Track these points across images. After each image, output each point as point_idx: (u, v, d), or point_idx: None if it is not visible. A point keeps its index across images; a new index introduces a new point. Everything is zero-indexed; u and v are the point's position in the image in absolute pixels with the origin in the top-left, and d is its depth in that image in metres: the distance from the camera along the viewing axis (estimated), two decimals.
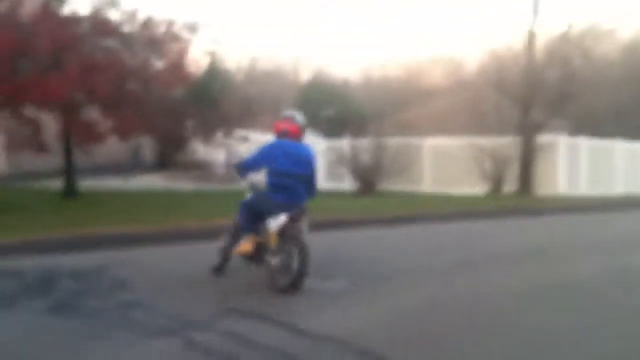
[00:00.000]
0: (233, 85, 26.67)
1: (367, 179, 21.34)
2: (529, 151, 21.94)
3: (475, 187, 21.74)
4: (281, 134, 6.80)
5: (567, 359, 4.51)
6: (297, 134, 6.82)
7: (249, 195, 6.89)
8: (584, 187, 23.07)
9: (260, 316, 5.33)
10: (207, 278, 7.02)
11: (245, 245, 6.52)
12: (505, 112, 23.32)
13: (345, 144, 22.91)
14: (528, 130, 22.01)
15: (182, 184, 20.57)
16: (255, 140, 25.66)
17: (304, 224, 6.52)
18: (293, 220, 6.32)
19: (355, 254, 9.28)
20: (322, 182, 23.94)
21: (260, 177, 6.75)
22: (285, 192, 6.50)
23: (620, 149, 25.17)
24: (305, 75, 44.62)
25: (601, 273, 7.68)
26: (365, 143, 21.87)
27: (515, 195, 21.11)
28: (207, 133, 20.01)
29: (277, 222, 6.33)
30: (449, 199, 18.91)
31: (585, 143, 23.68)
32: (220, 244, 7.03)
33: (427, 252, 9.67)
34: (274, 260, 6.29)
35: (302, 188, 6.61)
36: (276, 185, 6.55)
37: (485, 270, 7.96)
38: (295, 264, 6.10)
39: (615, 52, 33.52)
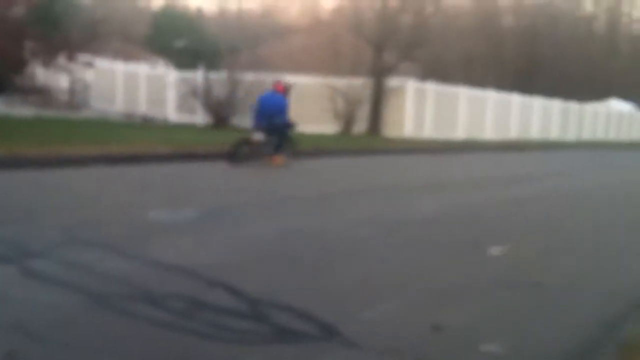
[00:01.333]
0: (78, 6, 25.38)
1: (220, 113, 21.67)
2: (380, 93, 23.19)
3: (328, 126, 22.58)
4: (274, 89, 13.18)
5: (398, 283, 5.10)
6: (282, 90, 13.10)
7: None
8: (429, 130, 24.70)
9: (107, 246, 5.26)
10: (49, 207, 7.01)
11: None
12: (359, 53, 24.27)
13: (198, 76, 22.79)
14: (380, 73, 23.15)
15: (20, 109, 19.57)
16: (102, 67, 24.85)
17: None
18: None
19: (202, 185, 9.69)
20: (173, 114, 23.81)
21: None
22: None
23: (465, 95, 27.09)
24: (157, 0, 43.09)
25: (442, 210, 8.51)
26: (218, 77, 21.89)
27: (365, 136, 22.24)
28: (47, 56, 19.14)
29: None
30: (302, 137, 19.57)
31: (432, 88, 25.42)
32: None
33: (295, 186, 10.41)
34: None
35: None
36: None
37: (339, 203, 8.63)
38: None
39: (466, 2, 35.47)
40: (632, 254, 6.49)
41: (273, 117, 12.43)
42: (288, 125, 12.85)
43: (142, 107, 24.79)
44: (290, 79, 24.67)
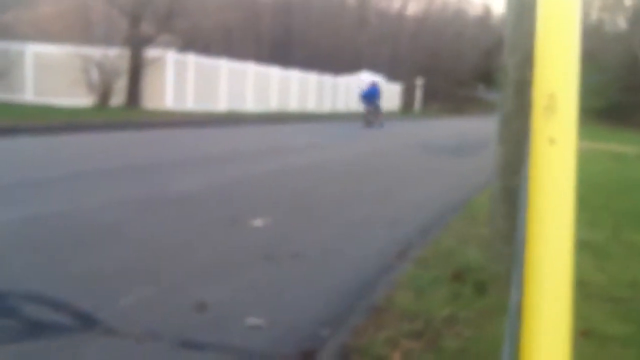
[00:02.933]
0: None
1: None
2: (138, 64, 22.42)
3: (81, 99, 21.37)
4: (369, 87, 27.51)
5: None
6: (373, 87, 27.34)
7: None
8: (191, 103, 24.50)
9: None
10: None
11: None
12: (114, 22, 23.17)
13: None
14: (137, 43, 22.31)
15: None
16: None
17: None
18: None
19: None
20: None
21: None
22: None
23: (225, 67, 27.22)
24: None
25: (202, 186, 8.49)
26: None
27: (123, 109, 21.45)
28: None
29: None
30: (54, 111, 18.29)
31: (193, 59, 25.05)
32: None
33: (39, 166, 9.49)
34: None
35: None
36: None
37: (93, 183, 8.18)
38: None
39: None
40: (378, 221, 7.02)
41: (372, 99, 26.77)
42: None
43: None
44: (34, 48, 22.95)
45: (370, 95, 26.58)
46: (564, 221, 1.21)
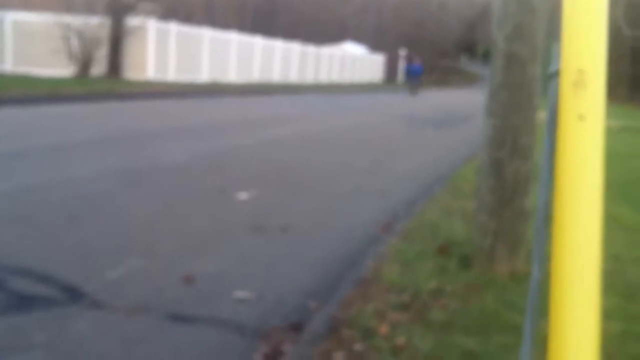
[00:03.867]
0: None
1: None
2: (119, 33, 22.12)
3: (61, 69, 21.07)
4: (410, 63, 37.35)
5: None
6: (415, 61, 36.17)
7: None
8: (172, 73, 24.26)
9: None
10: None
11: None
12: None
13: None
14: (118, 11, 21.97)
15: None
16: None
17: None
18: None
19: None
20: None
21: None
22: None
23: (208, 36, 26.91)
24: None
25: (189, 157, 8.44)
26: None
27: (105, 79, 21.19)
28: None
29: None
30: (34, 81, 18.03)
31: (175, 28, 24.73)
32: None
33: (25, 137, 9.40)
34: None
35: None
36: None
37: (78, 155, 8.11)
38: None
39: None
40: (365, 193, 7.05)
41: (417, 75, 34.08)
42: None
43: None
44: (14, 16, 22.53)
45: (415, 72, 34.49)
46: (593, 198, 1.21)
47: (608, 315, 3.33)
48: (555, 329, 1.20)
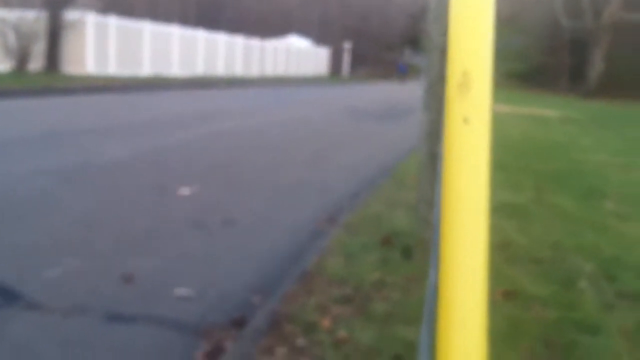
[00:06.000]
0: None
1: None
2: (57, 27, 21.56)
3: None
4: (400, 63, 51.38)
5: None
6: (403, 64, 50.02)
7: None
8: (113, 67, 23.81)
9: None
10: None
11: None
12: None
13: None
14: (55, 5, 21.42)
15: None
16: None
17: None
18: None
19: None
20: None
21: None
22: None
23: (149, 30, 26.50)
24: None
25: (129, 154, 8.29)
26: None
27: (43, 74, 20.64)
28: None
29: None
30: None
31: (114, 22, 24.25)
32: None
33: None
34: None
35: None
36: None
37: (14, 152, 7.88)
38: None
39: None
40: (309, 188, 7.06)
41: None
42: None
43: None
44: None
45: (402, 69, 49.74)
46: (479, 202, 1.17)
47: (546, 302, 3.43)
48: (442, 334, 1.19)
